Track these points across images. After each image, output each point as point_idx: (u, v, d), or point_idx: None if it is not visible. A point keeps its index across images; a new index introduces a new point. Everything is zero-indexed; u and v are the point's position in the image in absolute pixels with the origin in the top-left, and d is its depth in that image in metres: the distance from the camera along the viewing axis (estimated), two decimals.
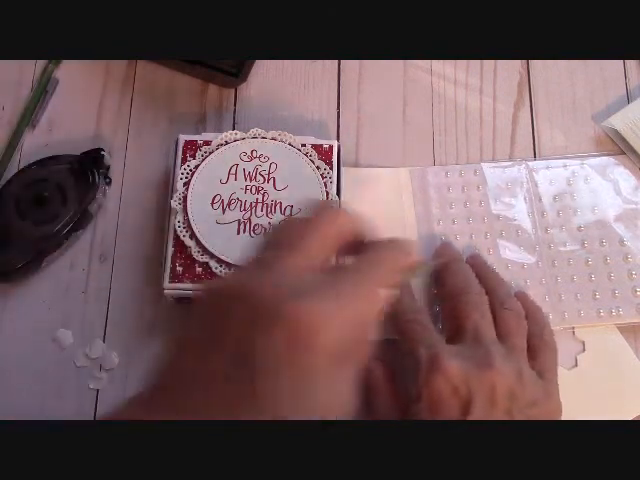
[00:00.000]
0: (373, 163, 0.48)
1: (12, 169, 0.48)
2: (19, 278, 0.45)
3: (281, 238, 0.30)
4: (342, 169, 0.46)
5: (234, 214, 0.44)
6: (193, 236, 0.43)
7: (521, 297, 0.42)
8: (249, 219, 0.44)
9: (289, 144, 0.46)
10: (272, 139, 0.46)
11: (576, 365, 0.43)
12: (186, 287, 0.42)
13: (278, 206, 0.44)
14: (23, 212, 0.45)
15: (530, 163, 0.48)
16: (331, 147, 0.46)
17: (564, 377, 0.41)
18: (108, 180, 0.48)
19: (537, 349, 0.39)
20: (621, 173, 0.47)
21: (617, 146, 0.48)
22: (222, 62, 0.48)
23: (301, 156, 0.45)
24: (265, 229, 0.44)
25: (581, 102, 0.50)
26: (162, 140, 0.49)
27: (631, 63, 0.51)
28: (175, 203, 0.44)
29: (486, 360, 0.36)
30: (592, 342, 0.43)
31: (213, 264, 0.43)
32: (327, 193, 0.44)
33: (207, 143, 0.46)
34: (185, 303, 0.44)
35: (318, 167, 0.45)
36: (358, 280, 0.29)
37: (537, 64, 0.51)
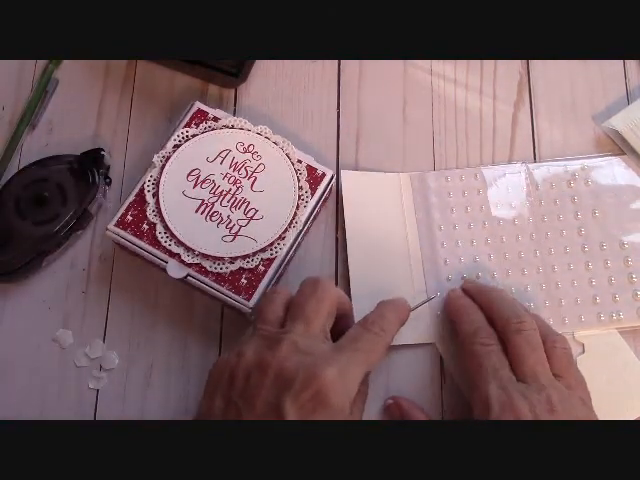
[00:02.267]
0: (373, 163, 0.48)
1: (12, 169, 0.48)
2: (19, 278, 0.45)
3: (297, 312, 0.37)
4: (343, 189, 0.47)
5: (202, 193, 0.44)
6: (156, 195, 0.44)
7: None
8: (213, 204, 0.44)
9: (287, 154, 0.46)
10: (274, 142, 0.46)
11: None
12: (125, 237, 0.43)
13: (245, 205, 0.44)
14: (23, 212, 0.45)
15: (530, 165, 0.47)
16: (324, 175, 0.45)
17: None
18: (108, 180, 0.48)
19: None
20: (622, 174, 0.47)
21: (617, 147, 0.48)
22: (222, 62, 0.48)
23: (291, 171, 0.45)
24: (222, 219, 0.44)
25: (581, 102, 0.50)
26: (162, 140, 0.49)
27: (631, 63, 0.50)
28: (157, 159, 0.45)
29: (549, 405, 0.36)
30: (591, 344, 0.43)
31: (159, 228, 0.43)
32: (295, 214, 0.44)
33: (215, 120, 0.47)
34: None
35: (301, 187, 0.45)
36: (368, 344, 0.37)
37: (537, 64, 0.51)
